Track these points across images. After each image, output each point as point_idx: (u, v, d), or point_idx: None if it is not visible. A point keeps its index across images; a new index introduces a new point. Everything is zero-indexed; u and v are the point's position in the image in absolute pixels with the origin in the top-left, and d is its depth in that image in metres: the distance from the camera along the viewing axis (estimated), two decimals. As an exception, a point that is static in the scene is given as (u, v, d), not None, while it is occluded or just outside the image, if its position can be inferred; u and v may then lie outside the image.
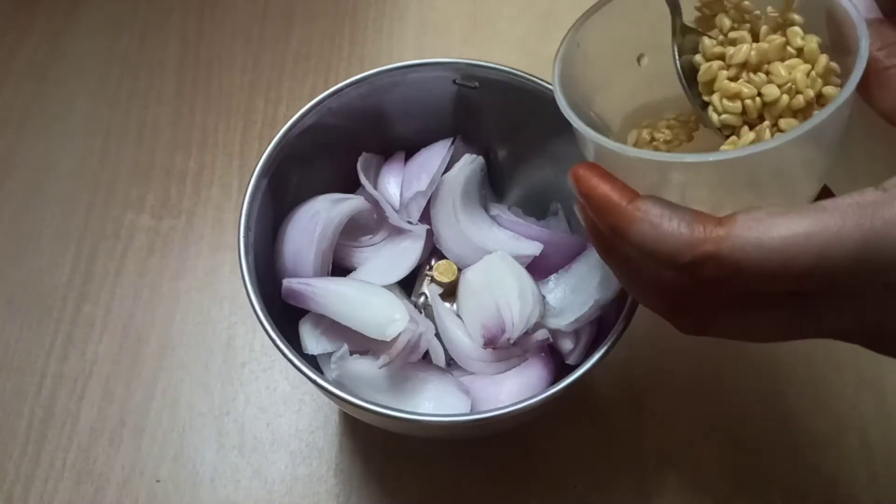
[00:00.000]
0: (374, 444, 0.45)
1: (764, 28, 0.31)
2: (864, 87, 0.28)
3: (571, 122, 0.31)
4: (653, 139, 0.35)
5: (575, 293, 0.40)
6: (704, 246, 0.26)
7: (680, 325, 0.31)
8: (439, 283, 0.41)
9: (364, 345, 0.37)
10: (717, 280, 0.26)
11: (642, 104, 0.36)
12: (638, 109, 0.36)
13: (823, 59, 0.29)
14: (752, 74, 0.31)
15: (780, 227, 0.25)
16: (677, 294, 0.29)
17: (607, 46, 0.34)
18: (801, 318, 0.28)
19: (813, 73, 0.30)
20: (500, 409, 0.33)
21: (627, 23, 0.34)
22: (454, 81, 0.42)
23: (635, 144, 0.35)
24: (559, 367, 0.39)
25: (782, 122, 0.30)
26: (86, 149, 0.54)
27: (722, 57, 0.31)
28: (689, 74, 0.33)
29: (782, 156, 0.28)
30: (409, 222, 0.41)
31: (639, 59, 0.36)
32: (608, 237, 0.29)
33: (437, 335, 0.39)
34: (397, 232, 0.42)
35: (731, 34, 0.32)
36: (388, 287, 0.40)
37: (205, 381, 0.47)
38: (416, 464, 0.44)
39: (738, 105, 0.30)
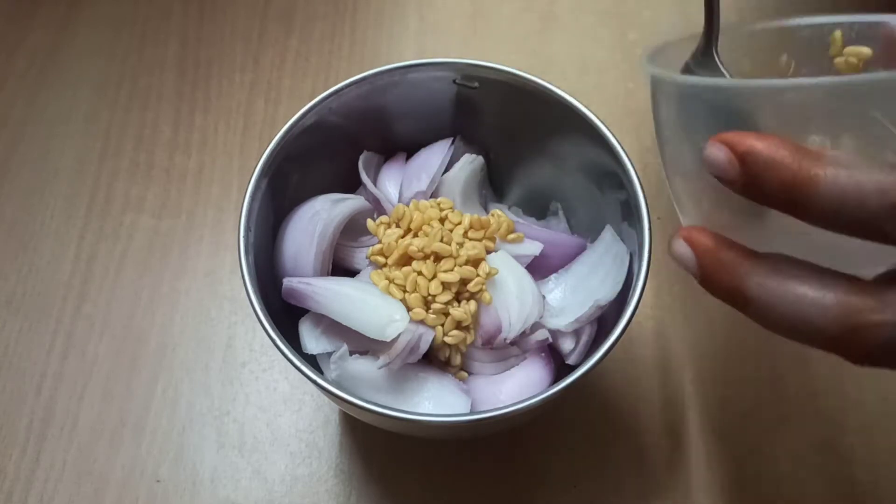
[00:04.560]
0: (374, 444, 0.45)
1: None
2: None
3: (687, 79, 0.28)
4: None
5: (575, 293, 0.40)
6: None
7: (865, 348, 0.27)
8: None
9: (364, 345, 0.37)
10: None
11: None
12: None
13: None
14: None
15: None
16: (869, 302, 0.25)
17: None
18: None
19: None
20: (500, 409, 0.33)
21: None
22: (454, 81, 0.42)
23: None
24: (559, 367, 0.39)
25: None
26: (86, 149, 0.54)
27: None
28: None
29: None
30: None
31: None
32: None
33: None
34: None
35: None
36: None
37: (205, 381, 0.47)
38: (416, 463, 0.44)
39: None
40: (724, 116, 0.27)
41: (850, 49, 0.32)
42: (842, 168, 0.24)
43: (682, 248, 0.28)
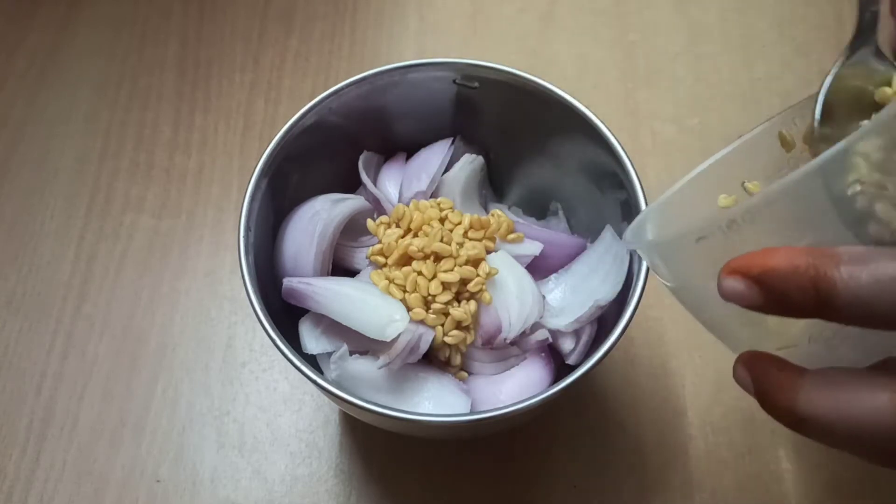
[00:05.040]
0: (374, 444, 0.45)
1: None
2: None
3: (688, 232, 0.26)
4: None
5: (575, 293, 0.40)
6: None
7: None
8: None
9: (364, 345, 0.37)
10: None
11: None
12: None
13: None
14: None
15: None
16: None
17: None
18: None
19: None
20: (500, 409, 0.33)
21: None
22: (454, 81, 0.42)
23: None
24: (559, 367, 0.39)
25: None
26: (86, 149, 0.54)
27: None
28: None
29: None
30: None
31: None
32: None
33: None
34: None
35: None
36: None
37: (205, 381, 0.47)
38: (416, 463, 0.44)
39: None
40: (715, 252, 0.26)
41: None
42: (856, 264, 0.23)
43: (741, 373, 0.27)
